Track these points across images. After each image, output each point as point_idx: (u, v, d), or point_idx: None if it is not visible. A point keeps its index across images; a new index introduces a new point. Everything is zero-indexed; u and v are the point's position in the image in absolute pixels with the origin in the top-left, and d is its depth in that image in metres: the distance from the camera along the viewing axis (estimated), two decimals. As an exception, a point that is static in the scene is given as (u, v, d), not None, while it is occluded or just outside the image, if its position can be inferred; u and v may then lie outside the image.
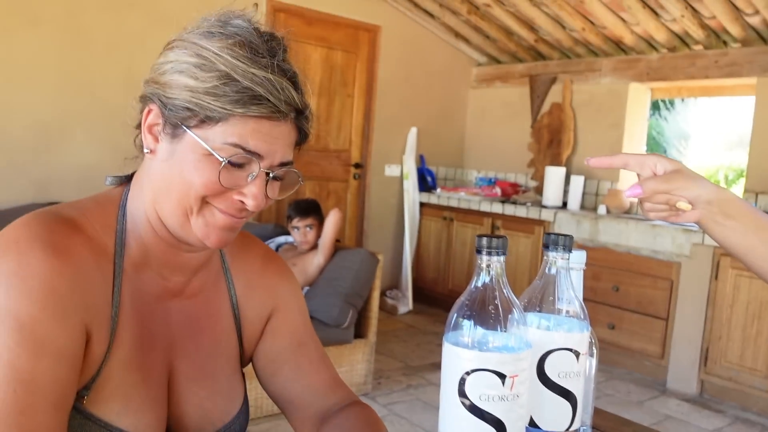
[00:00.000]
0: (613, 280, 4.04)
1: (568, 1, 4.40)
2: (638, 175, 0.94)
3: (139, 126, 0.84)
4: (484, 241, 0.74)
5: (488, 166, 5.64)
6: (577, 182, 4.62)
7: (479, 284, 0.74)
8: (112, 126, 3.97)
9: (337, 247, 3.38)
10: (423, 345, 4.24)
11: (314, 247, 3.35)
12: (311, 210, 3.37)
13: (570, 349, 0.79)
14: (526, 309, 0.81)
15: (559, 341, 0.78)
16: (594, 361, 0.86)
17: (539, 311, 0.81)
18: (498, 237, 0.74)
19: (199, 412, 0.90)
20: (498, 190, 5.01)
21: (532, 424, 0.80)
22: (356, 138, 5.17)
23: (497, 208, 4.74)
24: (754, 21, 3.92)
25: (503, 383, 0.70)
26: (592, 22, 4.58)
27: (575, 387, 0.79)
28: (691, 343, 3.74)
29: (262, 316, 0.99)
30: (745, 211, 0.89)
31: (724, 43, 4.27)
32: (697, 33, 4.21)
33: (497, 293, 0.73)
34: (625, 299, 4.00)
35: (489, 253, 0.73)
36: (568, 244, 0.81)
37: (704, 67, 4.33)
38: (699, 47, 4.37)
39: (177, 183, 0.79)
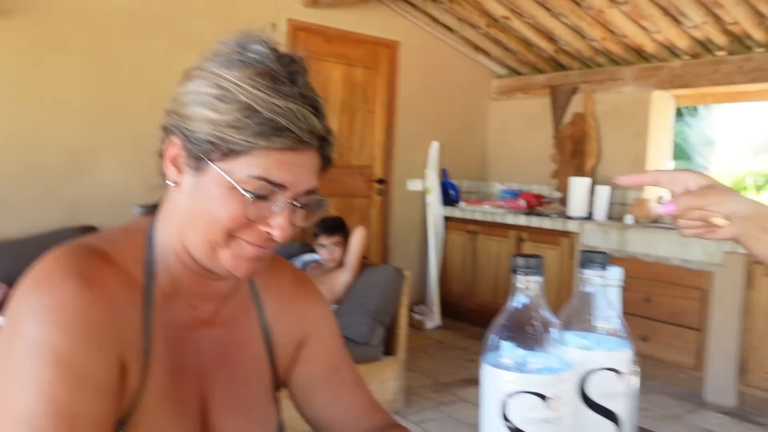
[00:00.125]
0: (643, 291, 3.98)
1: (588, 11, 4.39)
2: (671, 191, 0.92)
3: (162, 155, 0.84)
4: (521, 261, 0.73)
5: (511, 178, 5.62)
6: (603, 192, 4.57)
7: (517, 305, 0.73)
8: (139, 150, 4.03)
9: (364, 264, 3.38)
10: (452, 360, 4.21)
11: (341, 264, 3.35)
12: (337, 227, 3.38)
13: (612, 369, 0.77)
14: (565, 328, 0.80)
15: (600, 361, 0.77)
16: (637, 380, 0.85)
17: (578, 330, 0.80)
18: (534, 257, 0.73)
19: None
20: (522, 202, 4.98)
21: (575, 445, 0.78)
22: (378, 154, 5.18)
23: (522, 220, 4.71)
24: (779, 25, 3.87)
25: (546, 405, 0.69)
26: (612, 31, 4.56)
27: (618, 407, 0.78)
28: (728, 354, 3.66)
29: (294, 341, 0.98)
30: None
31: (748, 48, 4.22)
32: (719, 39, 4.17)
33: (536, 313, 0.73)
34: (657, 310, 3.94)
35: (526, 273, 0.73)
36: (603, 261, 0.80)
37: (728, 73, 4.28)
38: (722, 53, 4.32)
39: (203, 217, 0.79)
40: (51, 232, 3.64)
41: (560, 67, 5.30)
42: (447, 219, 5.32)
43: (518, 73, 5.67)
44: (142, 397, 0.79)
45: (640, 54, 4.71)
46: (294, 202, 0.79)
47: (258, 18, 4.45)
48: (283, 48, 0.82)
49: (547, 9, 4.57)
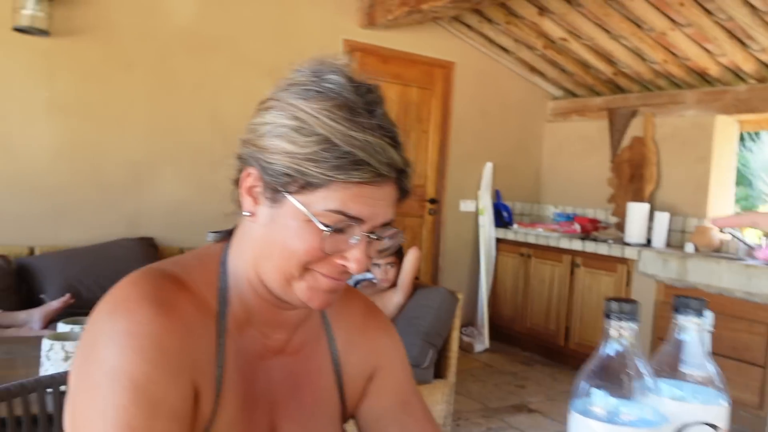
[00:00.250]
0: (703, 322, 3.84)
1: (649, 33, 4.31)
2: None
3: (236, 183, 0.84)
4: (615, 305, 0.70)
5: (566, 201, 5.52)
6: (662, 219, 4.45)
7: (610, 352, 0.70)
8: (197, 164, 4.13)
9: (416, 284, 3.36)
10: (501, 386, 4.13)
11: (394, 284, 3.34)
12: (391, 248, 3.35)
13: (709, 424, 0.73)
14: (657, 376, 0.76)
15: (696, 414, 0.73)
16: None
17: (670, 379, 0.76)
18: (630, 302, 0.70)
19: None
20: (577, 227, 4.89)
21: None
22: (431, 173, 5.17)
23: (577, 245, 4.62)
24: None
25: (642, 461, 0.66)
26: (674, 54, 4.46)
27: (714, 463, 0.74)
28: (793, 392, 3.50)
29: (364, 373, 0.96)
30: None
31: (819, 73, 4.07)
32: (789, 63, 4.03)
33: (630, 362, 0.69)
34: (718, 344, 3.79)
35: (620, 319, 0.70)
36: (700, 307, 0.77)
37: (797, 99, 4.13)
38: (791, 78, 4.18)
39: (278, 249, 0.79)
40: (111, 241, 3.74)
41: (619, 89, 5.20)
42: (499, 241, 5.25)
43: (575, 95, 5.60)
44: (213, 425, 0.79)
45: (703, 77, 4.59)
46: (370, 235, 0.79)
47: (315, 38, 4.52)
48: (359, 76, 0.81)
49: (607, 31, 4.50)
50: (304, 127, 0.75)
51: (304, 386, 0.91)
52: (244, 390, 0.83)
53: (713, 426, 0.74)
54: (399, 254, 3.38)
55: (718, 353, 3.39)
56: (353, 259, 0.78)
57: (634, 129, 5.05)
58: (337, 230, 0.76)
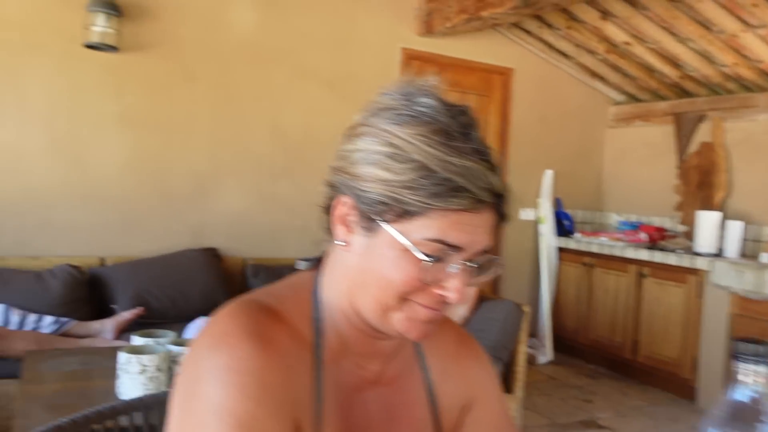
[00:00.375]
0: (781, 337, 3.67)
1: (719, 35, 4.16)
2: None
3: (326, 210, 0.82)
4: (745, 347, 0.65)
5: (630, 209, 5.37)
6: (735, 228, 4.27)
7: (741, 398, 0.65)
8: (258, 174, 4.18)
9: (480, 297, 3.31)
10: (568, 400, 4.03)
11: (457, 297, 3.29)
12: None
13: None
14: None
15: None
16: None
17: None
18: (763, 343, 0.65)
19: None
20: (643, 235, 4.74)
21: None
22: (490, 182, 5.09)
23: (644, 254, 4.47)
24: None
25: None
26: (745, 57, 4.29)
27: None
28: None
29: (459, 404, 0.93)
30: None
31: None
32: None
33: (765, 408, 0.65)
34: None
35: (753, 362, 0.65)
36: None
37: None
38: None
39: (375, 279, 0.76)
40: (177, 252, 3.81)
41: (685, 93, 5.04)
42: (560, 250, 5.14)
43: (638, 100, 5.45)
44: None
45: (777, 80, 4.40)
46: (469, 264, 0.76)
47: (373, 47, 4.53)
48: (450, 98, 0.79)
49: (673, 34, 4.36)
50: (399, 153, 0.73)
51: (401, 418, 0.88)
52: (343, 423, 0.82)
53: None
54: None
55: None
56: (452, 288, 0.75)
57: (702, 134, 4.87)
58: (436, 259, 0.74)
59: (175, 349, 2.06)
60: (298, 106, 4.29)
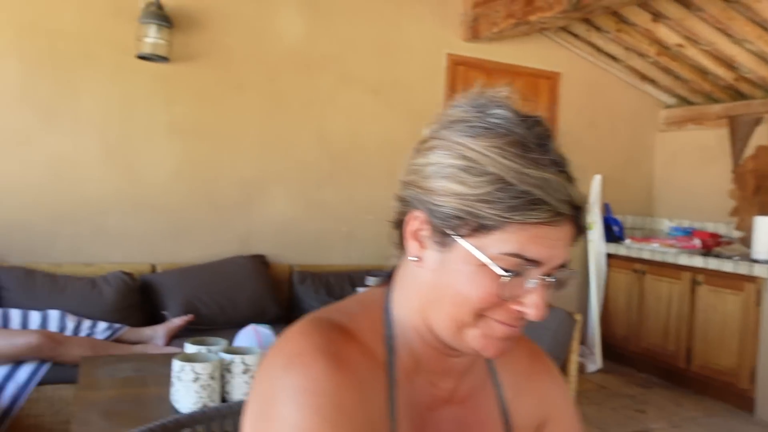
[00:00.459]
0: None
1: (777, 35, 4.02)
2: None
3: (397, 225, 0.81)
4: None
5: (682, 214, 5.23)
6: (795, 234, 4.12)
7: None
8: (305, 182, 4.21)
9: (530, 305, 3.26)
10: (619, 410, 3.93)
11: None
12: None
13: None
14: None
15: None
16: None
17: None
18: None
19: None
20: (697, 242, 4.60)
21: None
22: (537, 187, 5.02)
23: (698, 261, 4.34)
24: None
25: None
26: (805, 57, 4.14)
27: None
28: None
29: (533, 423, 0.91)
30: None
31: None
32: None
33: None
34: None
35: None
36: None
37: None
38: None
39: (449, 295, 0.75)
40: (226, 259, 3.86)
41: (740, 96, 4.88)
42: (610, 256, 5.03)
43: (690, 103, 5.30)
44: None
45: (840, 80, 4.23)
46: (547, 278, 0.74)
47: (419, 53, 4.51)
48: (524, 109, 0.77)
49: (728, 35, 4.23)
50: (473, 166, 0.71)
51: None
52: None
53: None
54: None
55: None
56: (531, 304, 0.73)
57: (759, 137, 4.72)
58: (514, 274, 0.72)
59: (227, 357, 2.07)
60: (344, 113, 4.31)
